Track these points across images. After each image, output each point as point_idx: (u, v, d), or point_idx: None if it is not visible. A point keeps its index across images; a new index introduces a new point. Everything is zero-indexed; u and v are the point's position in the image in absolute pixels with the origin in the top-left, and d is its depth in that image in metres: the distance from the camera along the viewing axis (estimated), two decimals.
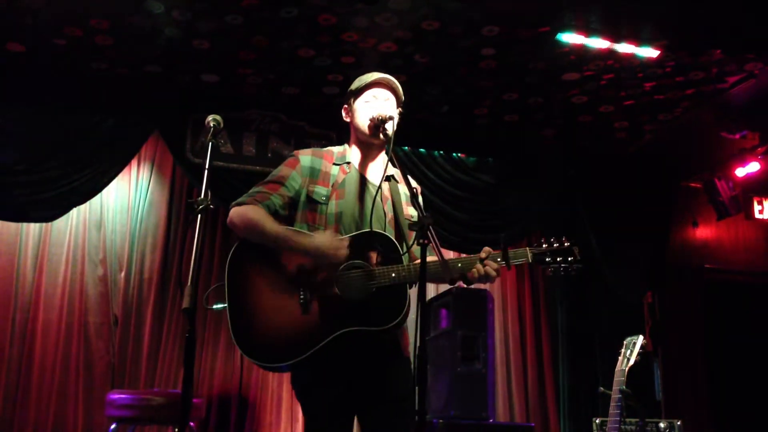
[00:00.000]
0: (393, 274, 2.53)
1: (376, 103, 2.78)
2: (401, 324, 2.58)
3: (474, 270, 2.56)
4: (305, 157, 2.79)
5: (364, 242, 2.61)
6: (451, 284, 2.37)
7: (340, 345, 2.52)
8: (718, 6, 4.61)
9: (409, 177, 2.61)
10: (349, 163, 2.81)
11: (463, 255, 2.69)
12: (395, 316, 2.52)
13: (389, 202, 2.77)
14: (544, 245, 2.68)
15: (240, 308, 2.57)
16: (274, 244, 2.59)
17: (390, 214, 2.75)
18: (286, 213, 2.75)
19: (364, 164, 2.83)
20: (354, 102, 2.83)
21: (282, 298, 2.55)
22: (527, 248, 2.67)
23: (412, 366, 2.70)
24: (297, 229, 2.68)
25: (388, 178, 2.81)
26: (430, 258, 2.33)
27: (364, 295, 2.53)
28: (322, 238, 2.56)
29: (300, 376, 2.64)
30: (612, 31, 4.89)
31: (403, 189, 2.84)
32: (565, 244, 2.69)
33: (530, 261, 2.65)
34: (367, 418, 2.64)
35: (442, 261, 2.34)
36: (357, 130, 2.82)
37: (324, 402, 2.56)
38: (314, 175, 2.76)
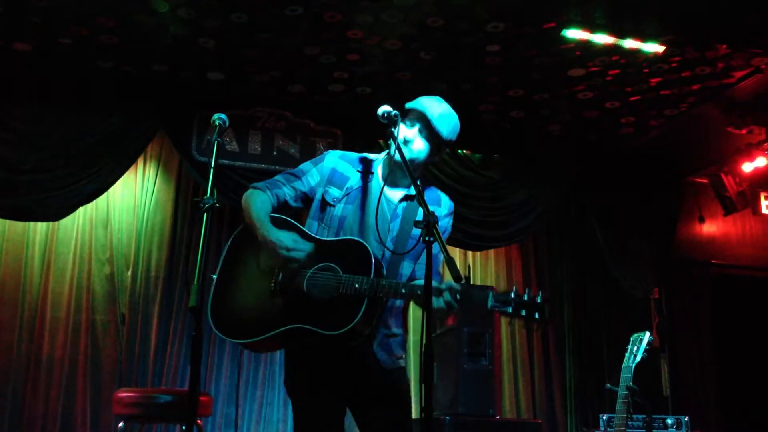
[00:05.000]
0: (356, 285, 2.51)
1: (412, 130, 2.73)
2: (352, 336, 2.51)
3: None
4: (332, 158, 2.83)
5: (346, 248, 2.62)
6: (456, 281, 2.37)
7: (297, 341, 2.57)
8: (723, 0, 4.59)
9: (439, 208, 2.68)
10: (372, 172, 2.80)
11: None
12: (343, 326, 2.48)
13: (398, 220, 2.75)
14: (511, 295, 2.49)
15: (223, 280, 2.69)
16: (252, 229, 2.66)
17: (395, 232, 2.74)
18: (300, 206, 2.81)
19: (389, 178, 2.77)
20: (404, 124, 2.73)
21: (259, 281, 2.64)
22: (491, 292, 2.51)
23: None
24: (293, 223, 2.72)
25: (410, 198, 2.78)
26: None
27: (325, 297, 2.56)
28: (285, 235, 2.60)
29: (291, 376, 2.70)
30: (617, 26, 4.88)
31: (421, 210, 2.76)
32: (537, 299, 2.48)
33: (488, 307, 2.49)
34: (363, 418, 2.68)
35: (448, 258, 2.35)
36: (390, 148, 2.74)
37: (312, 401, 2.62)
38: (333, 176, 2.79)
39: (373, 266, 2.55)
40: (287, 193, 2.77)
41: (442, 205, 2.86)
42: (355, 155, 2.88)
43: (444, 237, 2.66)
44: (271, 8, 4.69)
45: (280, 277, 2.62)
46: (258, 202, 2.70)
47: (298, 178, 2.80)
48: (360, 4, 4.63)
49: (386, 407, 2.67)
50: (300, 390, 2.67)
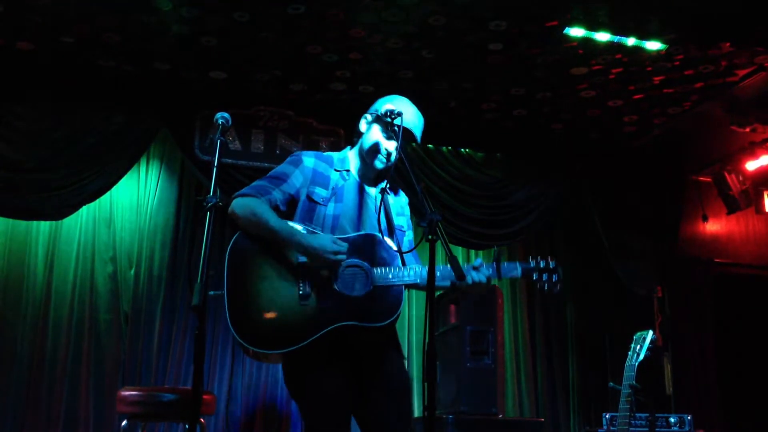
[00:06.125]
0: (390, 275, 2.63)
1: (390, 143, 2.84)
2: (393, 324, 2.69)
3: (468, 276, 2.66)
4: (308, 158, 2.88)
5: (364, 243, 2.69)
6: (459, 280, 2.39)
7: (335, 339, 2.60)
8: None
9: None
10: (348, 170, 2.90)
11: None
12: (391, 315, 2.62)
13: (383, 212, 2.87)
14: (532, 263, 2.85)
15: (238, 295, 2.63)
16: (274, 237, 2.65)
17: (383, 224, 2.84)
18: (286, 209, 2.82)
19: (362, 174, 2.93)
20: (376, 124, 2.86)
21: (281, 288, 2.62)
22: (518, 263, 2.84)
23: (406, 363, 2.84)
24: (298, 225, 2.74)
25: (383, 190, 2.91)
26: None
27: (362, 292, 2.62)
28: (324, 239, 2.62)
29: (295, 373, 2.69)
30: (620, 24, 4.87)
31: (397, 200, 2.98)
32: (551, 263, 2.86)
33: (519, 275, 2.84)
34: (365, 412, 2.69)
35: (451, 257, 2.37)
36: (363, 149, 2.89)
37: (323, 395, 2.61)
38: (315, 176, 2.83)
39: (398, 257, 2.70)
40: (277, 197, 2.78)
41: (399, 194, 3.05)
42: (327, 155, 2.95)
43: (408, 222, 2.98)
44: (273, 7, 4.69)
45: (307, 281, 2.63)
46: (265, 209, 2.70)
47: (284, 181, 2.81)
48: (362, 2, 4.63)
49: (393, 396, 2.70)
50: (313, 390, 2.64)
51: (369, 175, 2.92)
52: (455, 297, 2.65)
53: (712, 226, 7.21)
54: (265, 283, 2.63)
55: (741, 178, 6.70)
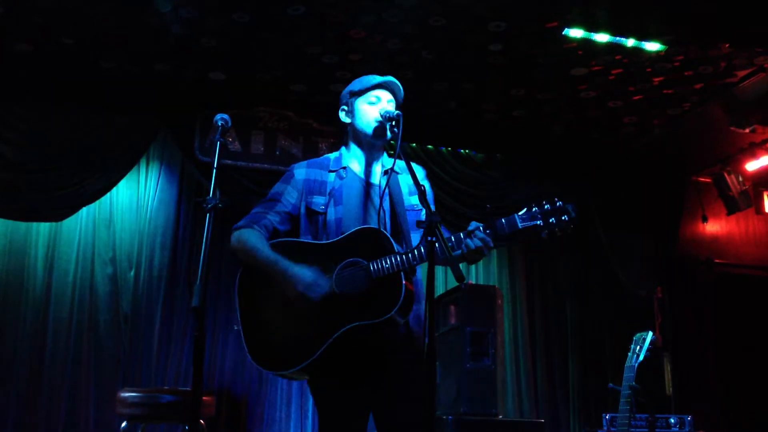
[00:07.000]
0: (386, 264, 2.54)
1: (380, 104, 2.79)
2: (403, 315, 2.58)
3: (464, 245, 2.54)
4: (300, 170, 2.84)
5: (361, 239, 2.63)
6: (459, 281, 2.37)
7: (348, 343, 2.55)
8: None
9: (417, 176, 2.61)
10: (345, 167, 2.83)
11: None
12: (392, 306, 2.50)
13: (386, 196, 2.77)
14: (534, 207, 2.55)
15: (252, 327, 2.65)
16: (263, 268, 2.66)
17: (389, 212, 2.76)
18: (288, 228, 2.80)
19: (362, 166, 2.84)
20: (355, 102, 2.83)
21: (288, 309, 2.61)
22: (515, 215, 2.56)
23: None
24: (295, 241, 2.73)
25: (387, 172, 2.81)
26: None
27: (361, 289, 2.56)
28: (304, 271, 2.59)
29: (316, 377, 2.68)
30: (619, 25, 4.87)
31: (404, 179, 2.84)
32: (558, 203, 2.53)
33: (519, 227, 2.54)
34: (384, 418, 2.65)
35: (450, 258, 2.35)
36: (358, 131, 2.82)
37: (338, 400, 2.60)
38: (310, 186, 2.79)
39: (394, 243, 2.59)
40: (273, 220, 2.76)
41: (407, 171, 2.85)
42: (320, 158, 2.91)
43: (430, 198, 2.74)
44: (273, 8, 4.70)
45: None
46: (255, 240, 2.70)
47: (278, 201, 2.79)
48: (362, 3, 4.63)
49: (409, 404, 2.61)
50: (328, 401, 2.63)
51: (370, 164, 2.84)
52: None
53: (712, 227, 7.21)
54: (272, 309, 2.65)
55: (741, 179, 6.71)
